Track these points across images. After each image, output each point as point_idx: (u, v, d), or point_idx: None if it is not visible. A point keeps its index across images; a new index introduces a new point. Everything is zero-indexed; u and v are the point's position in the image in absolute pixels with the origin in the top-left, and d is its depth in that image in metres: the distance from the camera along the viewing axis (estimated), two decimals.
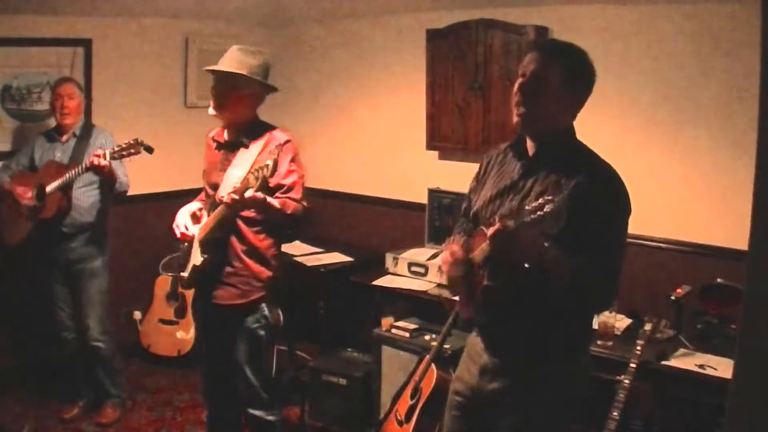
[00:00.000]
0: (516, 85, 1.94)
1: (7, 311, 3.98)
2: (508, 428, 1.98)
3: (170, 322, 4.39)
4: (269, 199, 2.60)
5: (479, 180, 2.16)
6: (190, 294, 4.36)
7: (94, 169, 3.28)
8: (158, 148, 4.32)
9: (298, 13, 4.78)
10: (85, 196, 3.53)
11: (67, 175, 3.36)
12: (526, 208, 1.71)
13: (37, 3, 3.84)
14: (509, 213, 1.78)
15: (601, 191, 1.85)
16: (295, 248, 4.48)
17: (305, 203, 2.78)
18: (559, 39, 2.05)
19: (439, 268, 2.09)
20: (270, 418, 2.92)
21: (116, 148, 3.24)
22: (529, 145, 2.00)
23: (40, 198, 3.44)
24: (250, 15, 4.78)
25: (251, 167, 2.55)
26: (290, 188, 2.74)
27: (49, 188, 3.39)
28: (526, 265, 1.79)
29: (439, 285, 3.70)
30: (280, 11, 4.74)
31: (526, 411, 1.95)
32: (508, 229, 1.72)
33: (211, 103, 2.79)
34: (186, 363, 4.34)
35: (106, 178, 3.42)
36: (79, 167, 3.33)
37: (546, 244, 1.77)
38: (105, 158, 3.23)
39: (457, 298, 2.16)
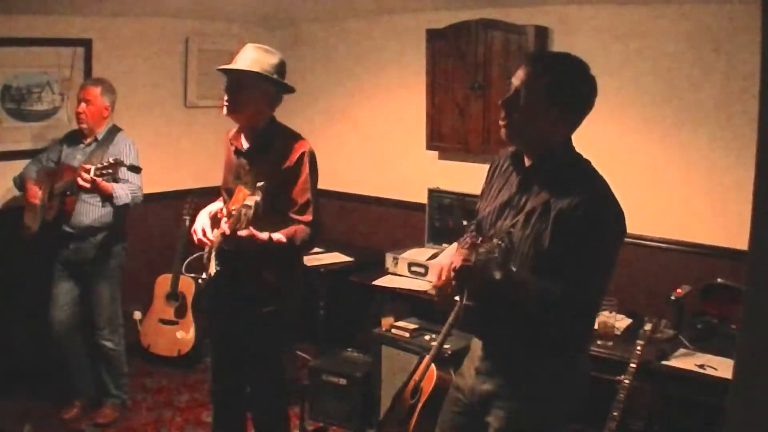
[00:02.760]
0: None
1: (8, 311, 3.98)
2: (501, 428, 1.98)
3: (170, 322, 4.39)
4: (260, 235, 2.45)
5: (488, 183, 2.15)
6: (190, 294, 4.36)
7: (79, 187, 3.25)
8: (158, 148, 4.33)
9: (299, 13, 4.78)
10: (93, 200, 3.52)
11: (65, 182, 3.38)
12: (481, 249, 1.78)
13: (37, 3, 3.84)
14: (470, 249, 1.84)
15: (587, 219, 1.80)
16: None
17: (316, 224, 2.63)
18: (557, 51, 2.01)
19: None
20: (283, 424, 2.93)
21: (99, 165, 3.21)
22: (526, 158, 1.99)
23: (49, 198, 3.48)
24: (250, 15, 4.78)
25: (245, 199, 2.37)
26: (302, 207, 2.61)
27: (54, 192, 3.41)
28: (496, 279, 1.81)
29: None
30: (281, 11, 4.74)
31: (517, 413, 1.96)
32: (466, 266, 1.79)
33: (224, 103, 2.63)
34: (186, 363, 4.34)
35: (97, 194, 3.39)
36: (71, 179, 3.31)
37: (513, 268, 1.80)
38: (90, 173, 3.17)
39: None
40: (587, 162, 1.95)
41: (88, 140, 3.61)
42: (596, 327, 2.98)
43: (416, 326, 3.62)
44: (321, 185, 4.78)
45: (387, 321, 3.71)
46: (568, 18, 3.66)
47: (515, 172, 2.01)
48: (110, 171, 3.21)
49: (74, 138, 3.67)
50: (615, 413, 2.60)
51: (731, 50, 3.20)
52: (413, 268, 3.92)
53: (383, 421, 3.26)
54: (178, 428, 3.71)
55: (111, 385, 3.75)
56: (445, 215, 4.11)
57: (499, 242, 1.79)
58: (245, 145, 2.72)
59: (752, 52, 3.02)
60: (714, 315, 3.03)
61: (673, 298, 3.03)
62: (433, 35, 4.07)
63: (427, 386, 3.06)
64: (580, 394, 2.02)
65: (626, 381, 2.64)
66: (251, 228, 2.40)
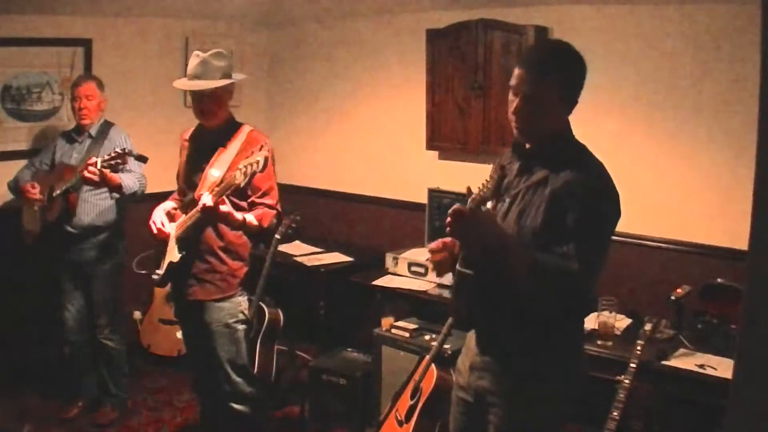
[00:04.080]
0: (511, 107, 1.94)
1: (9, 310, 3.98)
2: (497, 425, 1.99)
3: (170, 322, 4.38)
4: (235, 213, 2.66)
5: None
6: None
7: (86, 181, 3.26)
8: (158, 148, 4.32)
9: (298, 13, 4.78)
10: (94, 198, 3.53)
11: (66, 182, 3.37)
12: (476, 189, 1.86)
13: (37, 3, 3.84)
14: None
15: (583, 193, 1.84)
16: (295, 248, 4.48)
17: (279, 208, 2.84)
18: (541, 44, 2.05)
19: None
20: (254, 411, 2.95)
21: (106, 157, 3.22)
22: (528, 144, 2.02)
23: (49, 200, 3.47)
24: (250, 15, 4.78)
25: (239, 163, 2.56)
26: (266, 193, 2.80)
27: (55, 192, 3.40)
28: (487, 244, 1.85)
29: (440, 285, 3.70)
30: (280, 11, 4.74)
31: (511, 409, 1.97)
32: (460, 210, 1.82)
33: (195, 113, 2.87)
34: (186, 363, 4.34)
35: (106, 187, 3.40)
36: (76, 176, 3.31)
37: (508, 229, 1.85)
38: (96, 166, 3.18)
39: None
40: (585, 147, 1.99)
41: (82, 137, 3.61)
42: (596, 327, 2.99)
43: (416, 326, 3.62)
44: (321, 185, 4.86)
45: (387, 321, 3.71)
46: (568, 18, 3.66)
47: (517, 158, 2.04)
48: (118, 161, 3.21)
49: (66, 138, 3.68)
50: (615, 413, 2.60)
51: (731, 50, 3.20)
52: (413, 268, 3.92)
53: (383, 421, 3.26)
54: (178, 428, 3.71)
55: (111, 384, 3.75)
56: (445, 215, 4.09)
57: (489, 178, 1.88)
58: (205, 138, 2.92)
59: (752, 51, 3.02)
60: (714, 315, 3.03)
61: (673, 298, 3.03)
62: (433, 35, 4.07)
63: (427, 386, 3.06)
64: (577, 395, 2.02)
65: (626, 381, 2.64)
66: (229, 205, 2.62)
